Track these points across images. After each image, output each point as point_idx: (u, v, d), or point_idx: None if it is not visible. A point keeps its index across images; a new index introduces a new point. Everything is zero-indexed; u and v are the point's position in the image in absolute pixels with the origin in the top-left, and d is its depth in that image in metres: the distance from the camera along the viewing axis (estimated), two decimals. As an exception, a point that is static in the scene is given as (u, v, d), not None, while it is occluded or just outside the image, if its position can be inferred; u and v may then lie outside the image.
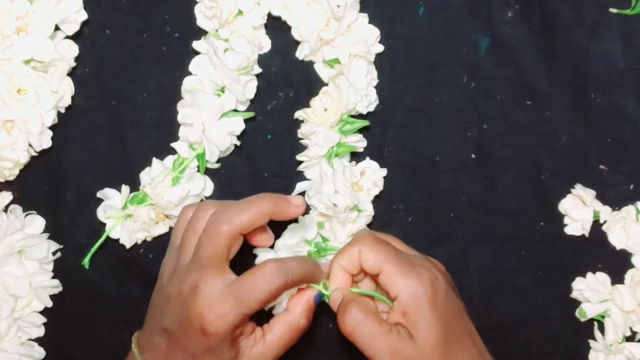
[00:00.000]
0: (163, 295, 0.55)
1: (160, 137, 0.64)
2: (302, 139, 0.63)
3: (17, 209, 0.63)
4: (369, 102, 0.62)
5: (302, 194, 0.64)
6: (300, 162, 0.63)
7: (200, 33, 0.62)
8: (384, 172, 0.64)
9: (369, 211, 0.62)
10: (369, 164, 0.64)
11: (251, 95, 0.63)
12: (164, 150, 0.63)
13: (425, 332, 0.52)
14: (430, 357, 0.53)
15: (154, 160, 0.63)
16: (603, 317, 0.63)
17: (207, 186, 0.64)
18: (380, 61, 0.63)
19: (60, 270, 0.63)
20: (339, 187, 0.61)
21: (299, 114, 0.63)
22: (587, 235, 0.63)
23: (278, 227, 0.61)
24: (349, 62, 0.61)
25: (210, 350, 0.52)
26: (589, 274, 0.64)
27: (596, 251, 0.64)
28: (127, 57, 0.64)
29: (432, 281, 0.53)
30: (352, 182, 0.62)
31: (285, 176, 0.64)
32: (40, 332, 0.63)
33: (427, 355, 0.52)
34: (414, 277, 0.53)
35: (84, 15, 0.61)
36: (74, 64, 0.62)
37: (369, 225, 0.63)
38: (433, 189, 0.65)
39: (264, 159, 0.65)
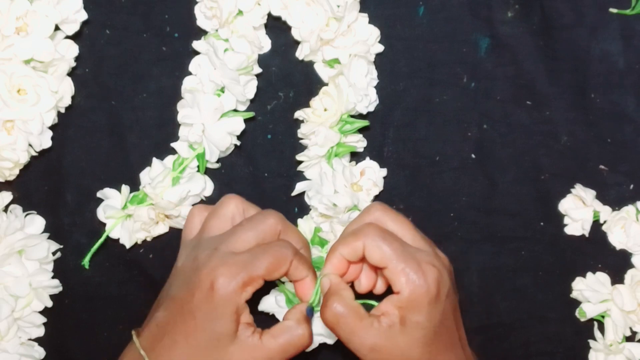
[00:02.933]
0: (174, 274, 0.57)
1: (160, 137, 0.64)
2: (302, 139, 0.63)
3: (17, 209, 0.63)
4: (369, 102, 0.62)
5: (302, 194, 0.64)
6: (300, 162, 0.63)
7: (200, 33, 0.62)
8: (384, 172, 0.64)
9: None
10: (369, 164, 0.64)
11: (251, 95, 0.63)
12: (164, 150, 0.63)
13: (415, 330, 0.53)
14: (412, 355, 0.53)
15: (154, 160, 0.63)
16: (603, 317, 0.63)
17: (207, 186, 0.64)
18: (380, 61, 0.63)
19: (60, 270, 0.63)
20: (338, 187, 0.61)
21: (299, 114, 0.63)
22: (587, 235, 0.63)
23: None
24: (349, 62, 0.61)
25: (213, 315, 0.52)
26: (589, 274, 0.64)
27: (596, 251, 0.64)
28: (127, 57, 0.64)
29: (437, 280, 0.53)
30: (351, 182, 0.62)
31: (285, 176, 0.64)
32: (40, 332, 0.63)
33: (409, 352, 0.53)
34: (420, 277, 0.53)
35: (84, 15, 0.61)
36: (74, 63, 0.62)
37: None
38: (433, 189, 0.65)
39: (264, 159, 0.65)
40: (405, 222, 0.57)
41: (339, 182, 0.61)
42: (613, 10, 0.63)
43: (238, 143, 0.63)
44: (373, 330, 0.53)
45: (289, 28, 0.62)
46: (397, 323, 0.53)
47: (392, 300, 0.53)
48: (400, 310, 0.53)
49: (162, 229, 0.63)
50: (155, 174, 0.62)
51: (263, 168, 0.65)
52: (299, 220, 0.64)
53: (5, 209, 0.63)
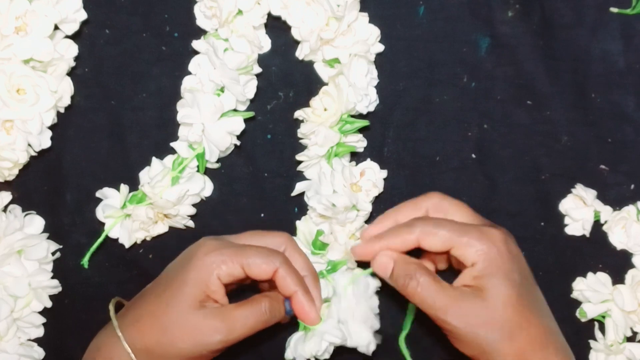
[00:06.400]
0: None
1: (160, 137, 0.64)
2: (302, 138, 0.63)
3: (16, 209, 0.62)
4: (369, 102, 0.62)
5: (302, 194, 0.64)
6: (300, 162, 0.63)
7: (200, 33, 0.62)
8: (384, 173, 0.63)
9: (367, 210, 0.62)
10: (369, 165, 0.63)
11: (251, 95, 0.63)
12: (164, 150, 0.63)
13: (497, 291, 0.53)
14: (500, 315, 0.53)
15: (154, 159, 0.63)
16: (603, 317, 0.63)
17: (207, 186, 0.63)
18: (380, 61, 0.63)
19: (59, 270, 0.63)
20: (337, 187, 0.61)
21: (298, 114, 0.62)
22: (587, 235, 0.63)
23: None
24: (349, 62, 0.61)
25: (184, 279, 0.55)
26: (590, 274, 0.64)
27: (597, 251, 0.64)
28: (127, 57, 0.64)
29: (504, 240, 0.54)
30: (351, 182, 0.62)
31: (285, 176, 0.64)
32: (40, 332, 0.63)
33: (497, 314, 0.53)
34: (485, 242, 0.54)
35: (83, 15, 0.61)
36: (73, 63, 0.62)
37: (366, 222, 0.63)
38: (433, 189, 0.64)
39: (264, 159, 0.64)
40: (464, 206, 0.58)
41: (338, 182, 0.61)
42: (613, 10, 0.63)
43: (238, 143, 0.63)
44: (456, 297, 0.54)
45: (289, 28, 0.62)
46: (478, 291, 0.53)
47: (468, 274, 0.54)
48: (478, 280, 0.54)
49: (161, 228, 0.63)
50: (154, 174, 0.62)
51: (263, 168, 0.64)
52: (298, 223, 0.64)
53: (5, 209, 0.63)
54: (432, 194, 0.59)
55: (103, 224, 0.63)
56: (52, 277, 0.63)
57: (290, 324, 0.60)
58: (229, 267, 0.55)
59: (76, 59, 0.62)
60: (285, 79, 0.64)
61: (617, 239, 0.64)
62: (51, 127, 0.62)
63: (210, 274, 0.55)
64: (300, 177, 0.64)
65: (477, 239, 0.54)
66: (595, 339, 0.63)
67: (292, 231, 0.63)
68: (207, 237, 0.59)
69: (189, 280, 0.55)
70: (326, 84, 0.63)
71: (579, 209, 0.63)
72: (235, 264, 0.55)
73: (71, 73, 0.63)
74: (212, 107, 0.60)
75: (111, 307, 0.58)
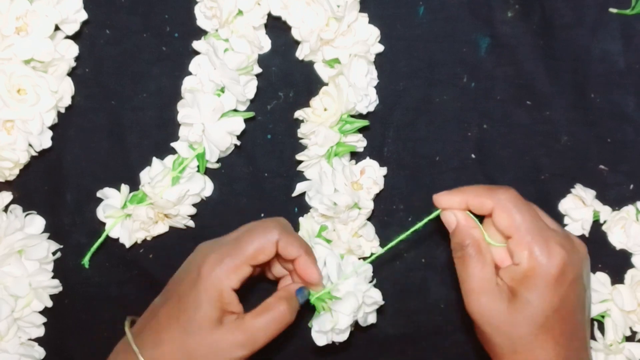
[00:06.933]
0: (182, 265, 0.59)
1: (160, 137, 0.64)
2: (302, 138, 0.63)
3: (17, 209, 0.63)
4: (369, 102, 0.62)
5: (302, 194, 0.64)
6: (300, 162, 0.63)
7: (200, 33, 0.62)
8: (384, 170, 0.64)
9: (368, 208, 0.62)
10: (369, 163, 0.64)
11: (251, 95, 0.63)
12: (164, 150, 0.63)
13: (524, 307, 0.51)
14: (516, 330, 0.51)
15: (154, 159, 0.63)
16: (603, 317, 0.63)
17: (207, 186, 0.64)
18: (380, 61, 0.63)
19: (60, 270, 0.64)
20: (338, 186, 0.61)
21: (299, 114, 0.63)
22: (587, 235, 0.63)
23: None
24: (349, 62, 0.61)
25: (197, 301, 0.54)
26: (589, 274, 0.64)
27: (596, 251, 0.64)
28: (127, 57, 0.64)
29: (562, 263, 0.51)
30: (352, 180, 0.62)
31: (285, 176, 0.64)
32: (40, 332, 0.63)
33: (515, 327, 0.51)
34: (543, 254, 0.51)
35: (84, 15, 0.61)
36: (74, 63, 0.62)
37: (368, 220, 0.63)
38: (433, 189, 0.64)
39: (264, 159, 0.65)
40: (540, 211, 0.56)
41: (339, 181, 0.61)
42: (613, 10, 0.63)
43: (238, 143, 0.63)
44: (491, 284, 0.52)
45: (289, 28, 0.62)
46: (507, 294, 0.52)
47: (508, 271, 0.53)
48: (514, 283, 0.52)
49: (161, 228, 0.63)
50: (155, 174, 0.62)
51: (263, 168, 0.65)
52: (301, 219, 0.64)
53: (5, 209, 0.63)
54: (503, 191, 0.54)
55: (103, 224, 0.63)
56: (53, 277, 0.63)
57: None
58: (237, 273, 0.54)
59: (76, 59, 0.62)
60: (285, 79, 0.64)
61: (617, 238, 0.64)
62: (52, 127, 0.62)
63: (222, 289, 0.54)
64: (301, 177, 0.64)
65: (538, 246, 0.51)
66: (594, 339, 0.63)
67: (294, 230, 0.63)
68: (203, 245, 0.57)
69: (202, 302, 0.54)
70: (326, 84, 0.63)
71: (579, 209, 0.63)
72: (241, 266, 0.55)
73: (71, 73, 0.63)
74: (212, 107, 0.60)
75: (127, 330, 0.57)
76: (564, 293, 0.51)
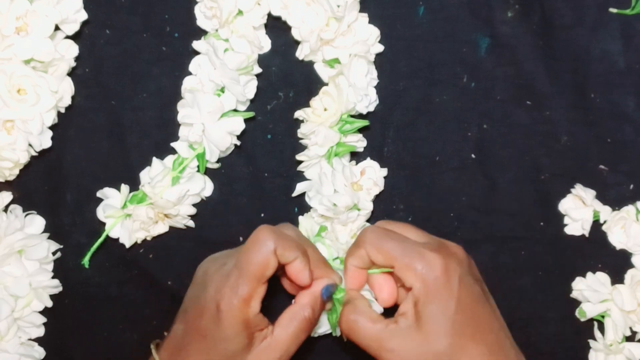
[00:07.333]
0: (193, 282, 0.57)
1: (160, 137, 0.64)
2: (302, 138, 0.63)
3: (17, 209, 0.63)
4: (369, 102, 0.62)
5: (302, 194, 0.64)
6: (300, 162, 0.63)
7: (200, 33, 0.62)
8: (384, 171, 0.64)
9: (368, 209, 0.62)
10: (370, 164, 0.64)
11: (251, 95, 0.63)
12: (164, 150, 0.63)
13: (432, 320, 0.52)
14: (436, 347, 0.52)
15: (154, 159, 0.63)
16: (603, 317, 0.63)
17: (207, 186, 0.64)
18: (380, 61, 0.63)
19: (60, 270, 0.63)
20: (338, 187, 0.61)
21: (299, 114, 0.63)
22: (587, 235, 0.63)
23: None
24: (349, 62, 0.61)
25: (223, 335, 0.53)
26: (589, 274, 0.64)
27: (596, 251, 0.64)
28: (127, 57, 0.64)
29: (444, 268, 0.52)
30: (352, 181, 0.62)
31: (285, 176, 0.64)
32: (40, 332, 0.63)
33: (432, 345, 0.52)
34: (425, 265, 0.52)
35: (84, 15, 0.61)
36: (74, 63, 0.62)
37: (368, 221, 0.63)
38: (433, 189, 0.65)
39: (264, 159, 0.65)
40: (409, 226, 0.57)
41: (339, 181, 0.61)
42: (613, 10, 0.63)
43: (238, 143, 0.63)
44: (388, 332, 0.53)
45: (289, 28, 0.62)
46: (413, 321, 0.52)
47: (409, 298, 0.53)
48: (417, 306, 0.52)
49: (161, 228, 0.63)
50: (155, 174, 0.62)
51: (263, 168, 0.65)
52: (300, 218, 0.64)
53: (5, 209, 0.63)
54: (367, 235, 0.56)
55: (103, 224, 0.63)
56: (53, 277, 0.63)
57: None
58: (255, 297, 0.53)
59: (76, 59, 0.62)
60: (285, 79, 0.64)
61: (617, 238, 0.64)
62: (52, 127, 0.62)
63: (247, 319, 0.53)
64: (301, 177, 0.64)
65: (418, 262, 0.53)
66: (594, 339, 0.63)
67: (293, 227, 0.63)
68: (208, 276, 0.55)
69: (230, 337, 0.53)
70: (326, 84, 0.63)
71: (579, 209, 0.63)
72: (256, 288, 0.53)
73: (71, 73, 0.63)
74: (212, 107, 0.60)
75: (155, 355, 0.56)
76: (458, 294, 0.52)
